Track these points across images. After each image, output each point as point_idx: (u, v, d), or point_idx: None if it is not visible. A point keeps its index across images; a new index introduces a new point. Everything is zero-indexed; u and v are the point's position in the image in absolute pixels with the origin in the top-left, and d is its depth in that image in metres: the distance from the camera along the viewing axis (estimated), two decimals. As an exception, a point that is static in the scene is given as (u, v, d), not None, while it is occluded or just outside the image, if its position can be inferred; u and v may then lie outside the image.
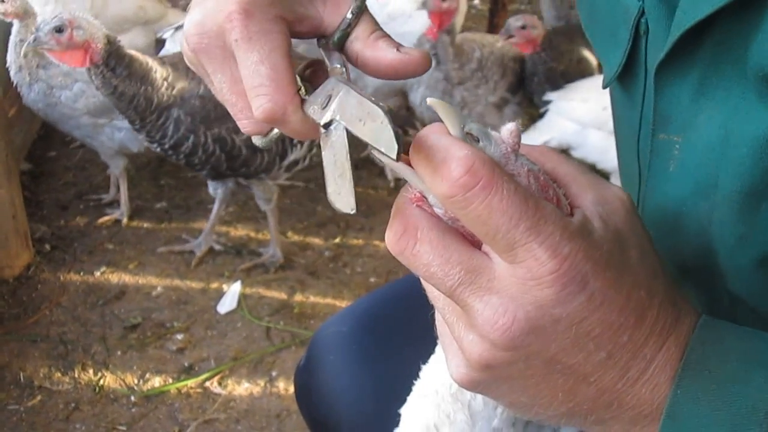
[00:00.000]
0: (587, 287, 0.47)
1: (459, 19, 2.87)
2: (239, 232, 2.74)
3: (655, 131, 0.67)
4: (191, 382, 2.13)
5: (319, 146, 0.53)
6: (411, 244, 0.49)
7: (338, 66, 0.56)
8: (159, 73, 2.12)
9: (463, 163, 0.45)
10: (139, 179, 2.97)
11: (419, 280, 0.53)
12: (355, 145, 0.50)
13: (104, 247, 2.64)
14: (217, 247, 2.61)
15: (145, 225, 2.76)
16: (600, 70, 2.61)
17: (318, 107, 0.53)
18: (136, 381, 2.14)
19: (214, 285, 2.48)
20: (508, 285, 0.47)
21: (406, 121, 2.84)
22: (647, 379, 0.50)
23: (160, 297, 2.44)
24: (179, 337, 2.29)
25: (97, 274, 2.52)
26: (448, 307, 0.51)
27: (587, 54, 2.67)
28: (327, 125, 0.51)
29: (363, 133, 0.48)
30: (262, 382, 2.14)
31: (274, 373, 2.16)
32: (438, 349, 0.69)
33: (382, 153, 0.47)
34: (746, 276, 0.64)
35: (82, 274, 2.52)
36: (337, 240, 2.70)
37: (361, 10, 0.58)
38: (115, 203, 2.80)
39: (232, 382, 2.14)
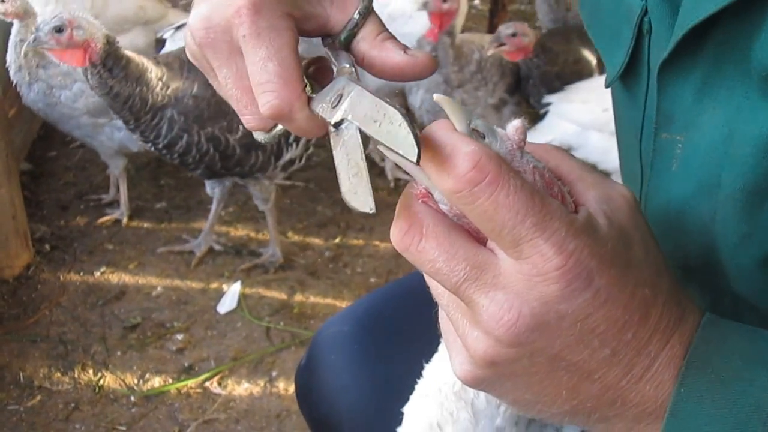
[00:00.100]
0: (592, 284, 0.47)
1: (459, 21, 2.86)
2: (239, 232, 2.73)
3: (658, 130, 0.67)
4: (191, 382, 2.13)
5: (316, 146, 0.53)
6: (416, 240, 0.48)
7: (347, 65, 0.56)
8: (154, 73, 2.12)
9: (469, 158, 0.45)
10: (139, 179, 2.97)
11: (420, 279, 0.53)
12: None
13: (104, 247, 2.64)
14: (217, 247, 2.61)
15: (145, 225, 2.75)
16: (600, 70, 2.62)
17: (327, 106, 0.52)
18: (136, 381, 2.14)
19: (214, 285, 2.48)
20: (513, 281, 0.47)
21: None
22: (651, 376, 0.50)
23: (160, 297, 2.44)
24: (179, 337, 2.29)
25: (97, 274, 2.52)
26: (453, 304, 0.50)
27: (585, 54, 2.66)
28: (337, 124, 0.51)
29: (379, 135, 0.47)
30: (262, 382, 2.14)
31: (274, 373, 2.16)
32: (441, 347, 0.69)
33: (400, 155, 0.46)
34: (749, 275, 0.64)
35: (82, 274, 2.52)
36: (337, 240, 2.70)
37: (369, 11, 0.58)
38: (115, 203, 2.80)
39: (232, 382, 2.14)
